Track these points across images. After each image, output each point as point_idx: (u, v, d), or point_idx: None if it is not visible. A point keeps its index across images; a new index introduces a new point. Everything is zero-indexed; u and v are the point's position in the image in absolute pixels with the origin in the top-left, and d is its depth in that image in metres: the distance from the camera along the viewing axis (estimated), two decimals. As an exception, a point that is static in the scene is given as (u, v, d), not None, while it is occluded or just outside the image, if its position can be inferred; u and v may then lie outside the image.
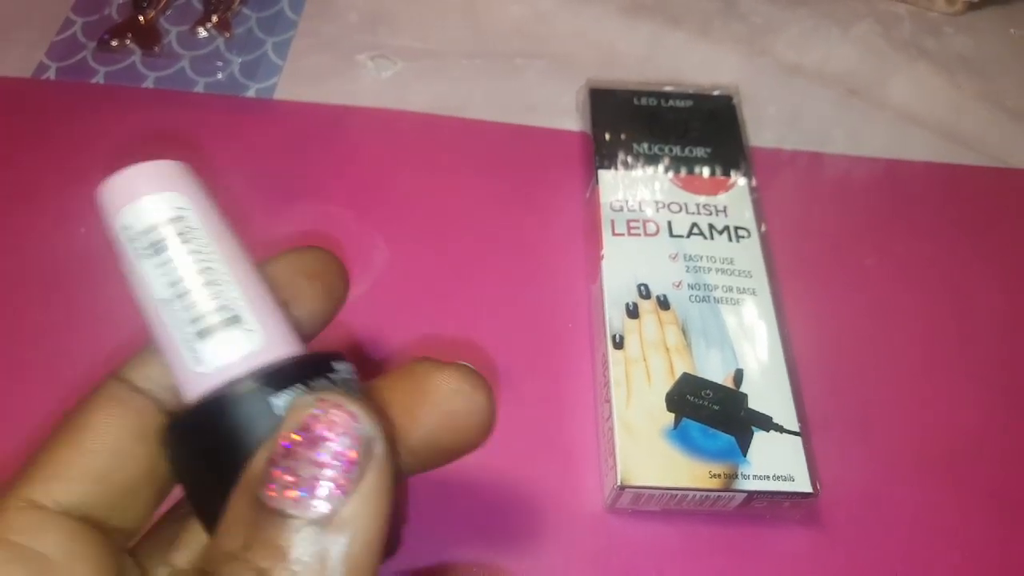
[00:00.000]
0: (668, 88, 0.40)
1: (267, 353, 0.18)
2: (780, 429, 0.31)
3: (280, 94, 0.42)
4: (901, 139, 0.43)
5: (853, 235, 0.39)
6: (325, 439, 0.15)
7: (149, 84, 0.42)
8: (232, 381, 0.17)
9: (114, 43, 0.44)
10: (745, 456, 0.30)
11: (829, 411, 0.33)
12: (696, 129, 0.39)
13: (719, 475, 0.30)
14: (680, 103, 0.40)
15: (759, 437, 0.31)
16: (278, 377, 0.17)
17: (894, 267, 0.38)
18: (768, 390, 0.32)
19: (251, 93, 0.42)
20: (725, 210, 0.36)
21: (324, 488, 0.15)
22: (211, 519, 0.17)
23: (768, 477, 0.30)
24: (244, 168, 0.39)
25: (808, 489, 0.30)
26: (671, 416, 0.31)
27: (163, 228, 0.19)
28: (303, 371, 0.18)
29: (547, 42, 0.45)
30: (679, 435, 0.30)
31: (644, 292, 0.34)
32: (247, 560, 0.14)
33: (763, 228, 0.36)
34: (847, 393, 0.34)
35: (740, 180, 0.37)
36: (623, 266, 0.34)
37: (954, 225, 0.40)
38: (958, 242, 0.39)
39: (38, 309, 0.35)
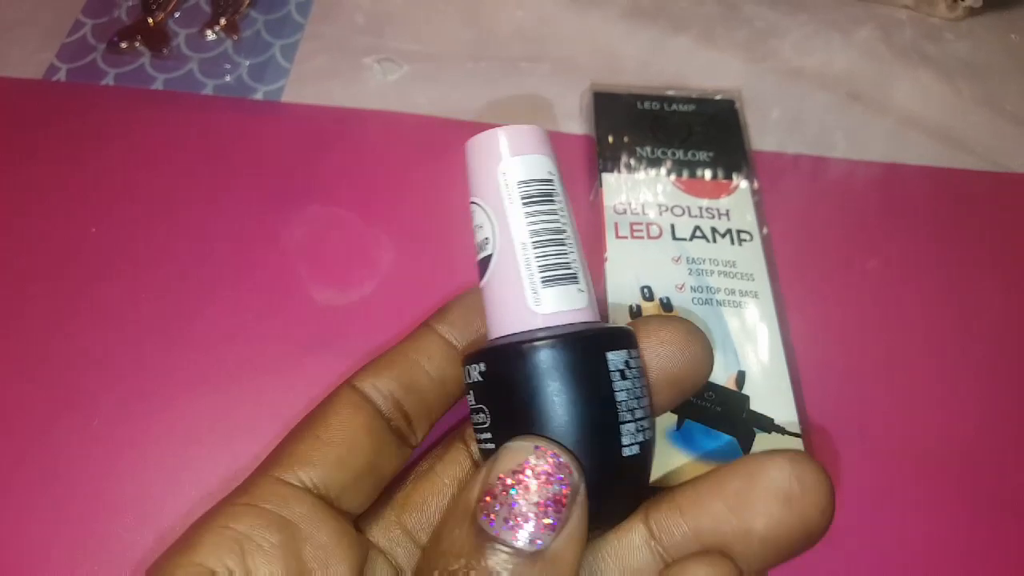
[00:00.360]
0: (671, 92, 0.41)
1: (588, 314, 0.22)
2: (781, 431, 0.31)
3: (288, 96, 0.43)
4: (902, 143, 0.43)
5: (854, 239, 0.39)
6: (542, 482, 0.18)
7: (158, 86, 0.43)
8: (572, 326, 0.21)
9: (123, 45, 0.44)
10: (746, 457, 0.30)
11: (829, 413, 0.33)
12: (699, 133, 0.39)
13: (721, 475, 0.30)
14: (683, 107, 0.40)
15: (761, 439, 0.31)
16: (614, 337, 0.21)
17: (895, 270, 0.38)
18: (770, 392, 0.32)
19: (259, 95, 0.43)
20: (728, 213, 0.37)
21: (540, 524, 0.17)
22: (503, 438, 0.20)
23: (769, 477, 0.30)
24: (252, 170, 0.40)
25: (808, 489, 0.30)
26: (674, 417, 0.31)
27: (544, 184, 0.23)
28: (628, 340, 0.22)
29: (551, 46, 0.45)
30: (682, 436, 0.31)
31: (647, 294, 0.34)
32: None
33: (765, 231, 0.36)
34: (847, 395, 0.34)
35: (742, 183, 0.38)
36: (627, 268, 0.35)
37: (955, 229, 0.40)
38: (959, 246, 0.40)
39: (46, 309, 0.35)
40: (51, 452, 0.31)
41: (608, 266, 0.35)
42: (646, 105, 0.40)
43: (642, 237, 0.36)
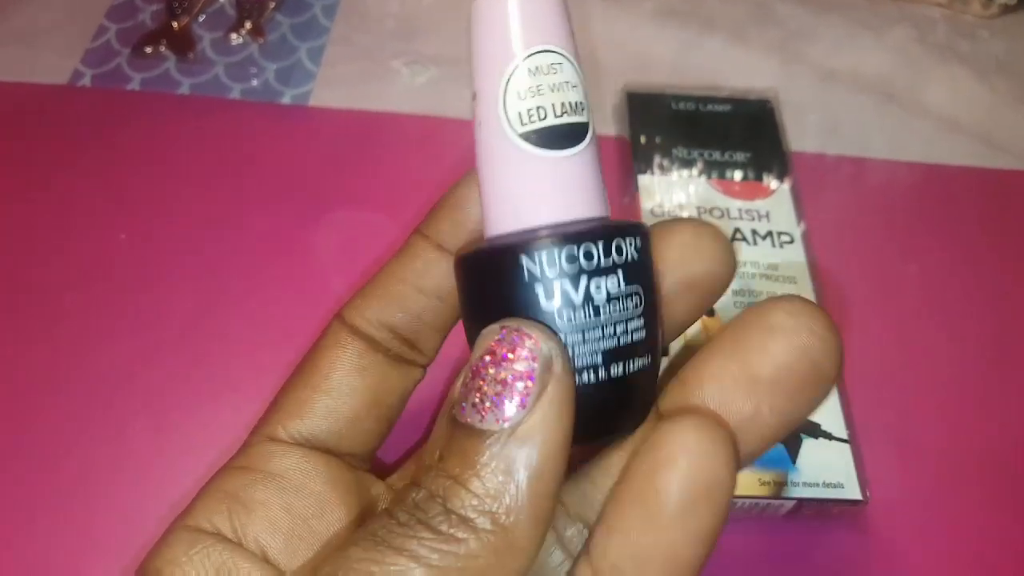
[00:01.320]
0: (706, 93, 0.40)
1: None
2: (829, 436, 0.30)
3: (315, 100, 0.42)
4: (940, 143, 0.42)
5: (895, 240, 0.38)
6: (508, 360, 0.16)
7: (184, 91, 0.43)
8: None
9: (148, 50, 0.44)
10: (794, 463, 0.30)
11: (873, 418, 0.32)
12: (735, 134, 0.39)
13: (768, 482, 0.29)
14: (718, 107, 0.40)
15: (808, 444, 0.30)
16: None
17: (936, 272, 0.38)
18: (816, 397, 0.31)
19: (286, 99, 0.42)
20: (768, 215, 0.36)
21: (509, 404, 0.16)
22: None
23: (818, 484, 0.29)
24: (280, 174, 0.39)
25: (858, 496, 0.29)
26: (719, 423, 0.30)
27: None
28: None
29: (581, 47, 0.44)
30: (727, 442, 0.30)
31: (688, 298, 0.33)
32: (442, 469, 0.16)
33: (805, 233, 0.36)
34: (891, 399, 0.34)
35: (782, 185, 0.37)
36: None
37: (995, 229, 0.39)
38: (1000, 246, 0.39)
39: (75, 315, 0.35)
40: (81, 460, 0.31)
41: (646, 269, 0.34)
42: (681, 106, 0.40)
43: (681, 240, 0.35)
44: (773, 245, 0.35)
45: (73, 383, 0.33)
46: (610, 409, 0.18)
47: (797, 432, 0.30)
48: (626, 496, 0.17)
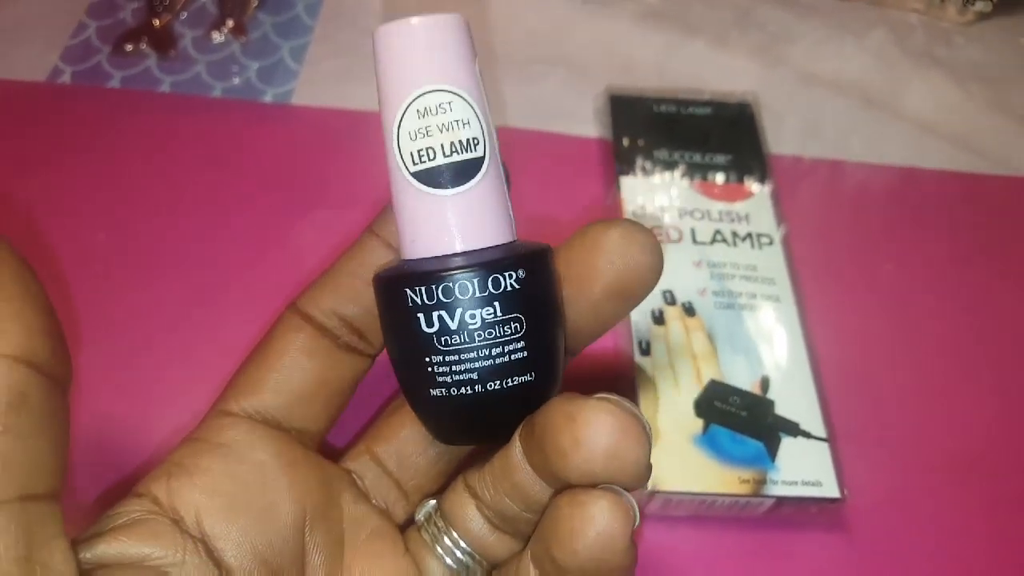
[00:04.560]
0: (687, 95, 0.41)
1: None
2: (807, 435, 0.31)
3: (298, 99, 0.42)
4: (917, 147, 0.43)
5: (872, 242, 0.39)
6: None
7: (165, 88, 0.42)
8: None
9: (129, 47, 0.43)
10: (774, 462, 0.30)
11: (852, 416, 0.33)
12: (716, 136, 0.39)
13: (748, 480, 0.30)
14: (699, 110, 0.40)
15: (787, 443, 0.31)
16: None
17: (912, 273, 0.38)
18: (794, 396, 0.32)
19: (268, 98, 0.42)
20: (747, 217, 0.36)
21: None
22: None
23: (796, 483, 0.30)
24: (262, 173, 0.39)
25: (836, 494, 0.30)
26: (700, 422, 0.31)
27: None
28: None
29: (564, 50, 0.45)
30: (708, 441, 0.30)
31: (670, 299, 0.34)
32: None
33: (784, 235, 0.36)
34: (868, 398, 0.34)
35: (761, 187, 0.37)
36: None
37: (969, 232, 0.40)
38: (973, 248, 0.39)
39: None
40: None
41: (628, 270, 0.34)
42: (662, 108, 0.40)
43: (662, 241, 0.35)
44: (752, 246, 0.35)
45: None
46: (490, 417, 0.20)
47: (776, 431, 0.31)
48: (542, 538, 0.19)
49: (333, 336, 0.23)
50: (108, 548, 0.19)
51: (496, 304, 0.19)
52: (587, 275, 0.21)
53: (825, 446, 0.31)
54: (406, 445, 0.24)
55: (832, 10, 0.48)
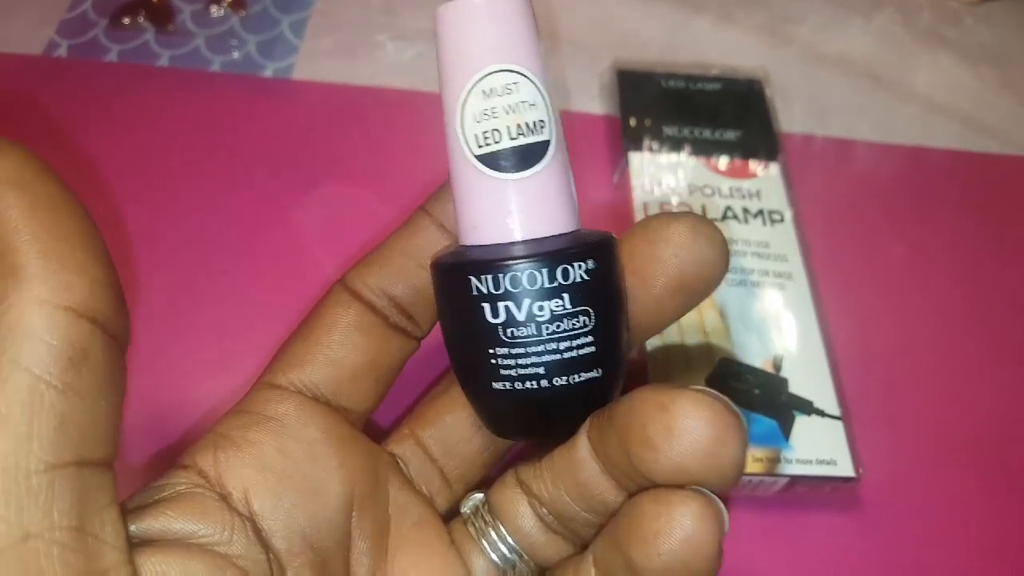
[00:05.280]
0: (696, 71, 0.40)
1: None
2: (821, 413, 0.30)
3: (298, 74, 0.41)
4: (926, 127, 0.42)
5: (881, 221, 0.38)
6: None
7: (163, 63, 0.41)
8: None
9: (126, 21, 0.42)
10: (787, 440, 0.30)
11: (864, 395, 0.33)
12: (726, 112, 0.38)
13: (762, 459, 0.29)
14: (709, 86, 0.39)
15: (801, 421, 0.30)
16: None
17: (921, 252, 0.38)
18: (808, 374, 0.31)
19: (268, 73, 0.41)
20: (758, 194, 0.36)
21: None
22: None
23: (811, 461, 0.29)
24: (262, 149, 0.38)
25: (851, 473, 0.29)
26: (712, 400, 0.30)
27: None
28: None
29: (570, 27, 0.44)
30: (720, 419, 0.30)
31: (680, 275, 0.33)
32: None
33: (795, 212, 0.36)
34: (880, 377, 0.34)
35: (772, 164, 0.37)
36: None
37: (980, 211, 0.40)
38: (982, 228, 0.39)
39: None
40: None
41: (638, 247, 0.34)
42: (671, 84, 0.39)
43: (672, 217, 0.35)
44: (764, 223, 0.35)
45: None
46: (555, 413, 0.20)
47: (790, 409, 0.30)
48: (614, 540, 0.18)
49: (383, 315, 0.22)
50: (154, 522, 0.18)
51: (565, 296, 0.18)
52: (651, 268, 0.20)
53: (839, 424, 0.30)
54: (452, 432, 0.23)
55: (839, -11, 0.48)
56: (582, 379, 0.19)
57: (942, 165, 0.41)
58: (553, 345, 0.18)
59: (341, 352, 0.21)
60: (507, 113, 0.19)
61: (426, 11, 0.44)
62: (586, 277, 0.18)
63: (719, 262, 0.20)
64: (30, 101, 0.39)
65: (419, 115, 0.40)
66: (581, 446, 0.19)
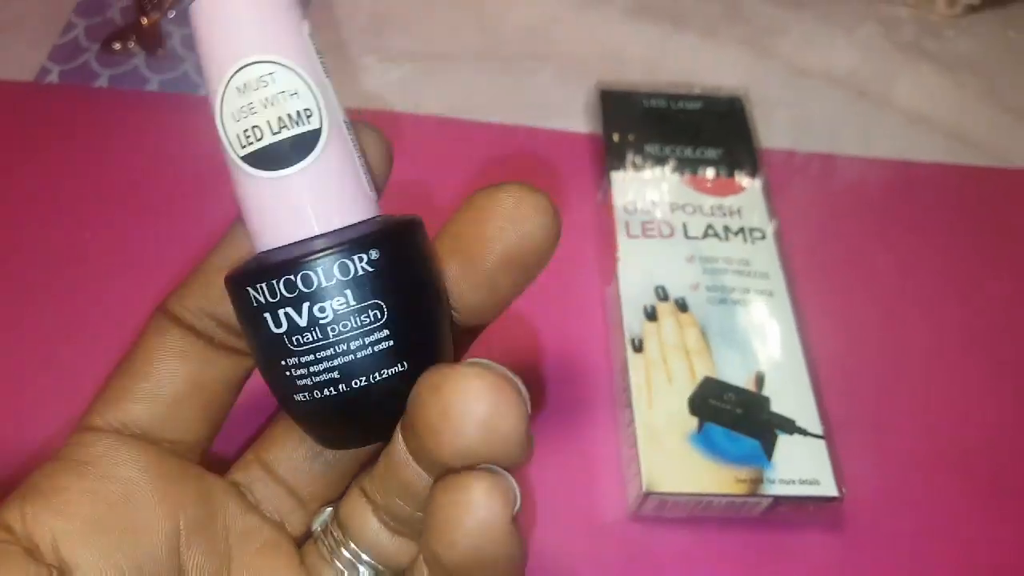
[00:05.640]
0: (678, 90, 0.40)
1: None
2: (804, 432, 0.31)
3: (286, 97, 0.42)
4: (909, 140, 0.43)
5: (865, 236, 0.39)
6: None
7: (153, 87, 0.42)
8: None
9: (117, 46, 0.43)
10: (770, 460, 0.30)
11: (847, 413, 0.33)
12: (707, 131, 0.39)
13: (745, 480, 0.29)
14: (690, 105, 0.40)
15: (783, 440, 0.30)
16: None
17: (906, 267, 0.38)
18: (790, 393, 0.31)
19: (256, 97, 0.42)
20: (739, 211, 0.36)
21: None
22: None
23: (794, 481, 0.30)
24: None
25: (834, 493, 0.29)
26: (694, 421, 0.30)
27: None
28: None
29: (555, 45, 0.45)
30: (703, 439, 0.30)
31: (662, 294, 0.33)
32: None
33: (776, 229, 0.36)
34: (863, 394, 0.34)
35: (753, 181, 0.37)
36: (639, 268, 0.34)
37: (964, 224, 0.40)
38: (967, 241, 0.39)
39: (39, 315, 0.34)
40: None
41: (620, 266, 0.34)
42: (653, 103, 0.40)
43: (654, 236, 0.35)
44: (745, 241, 0.35)
45: (39, 380, 0.32)
46: (361, 418, 0.19)
47: (772, 428, 0.30)
48: (424, 537, 0.17)
49: (206, 336, 0.20)
50: None
51: (347, 292, 0.17)
52: (478, 245, 0.19)
53: (822, 443, 0.30)
54: (297, 450, 0.22)
55: (820, 4, 0.48)
56: (385, 376, 0.18)
57: (927, 178, 0.41)
58: (343, 346, 0.17)
59: (159, 383, 0.20)
60: (265, 107, 0.17)
61: (412, 32, 0.45)
62: (369, 269, 0.17)
63: (549, 230, 0.19)
64: (22, 127, 0.40)
65: (405, 136, 0.40)
66: (397, 444, 0.18)
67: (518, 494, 0.16)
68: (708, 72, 0.44)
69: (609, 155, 0.38)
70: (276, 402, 0.20)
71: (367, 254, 0.17)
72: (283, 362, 0.18)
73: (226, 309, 0.20)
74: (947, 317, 0.37)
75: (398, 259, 0.18)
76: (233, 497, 0.21)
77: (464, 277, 0.19)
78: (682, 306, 0.33)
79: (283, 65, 0.18)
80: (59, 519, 0.18)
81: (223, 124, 0.18)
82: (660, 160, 0.37)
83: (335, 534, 0.20)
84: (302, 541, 0.21)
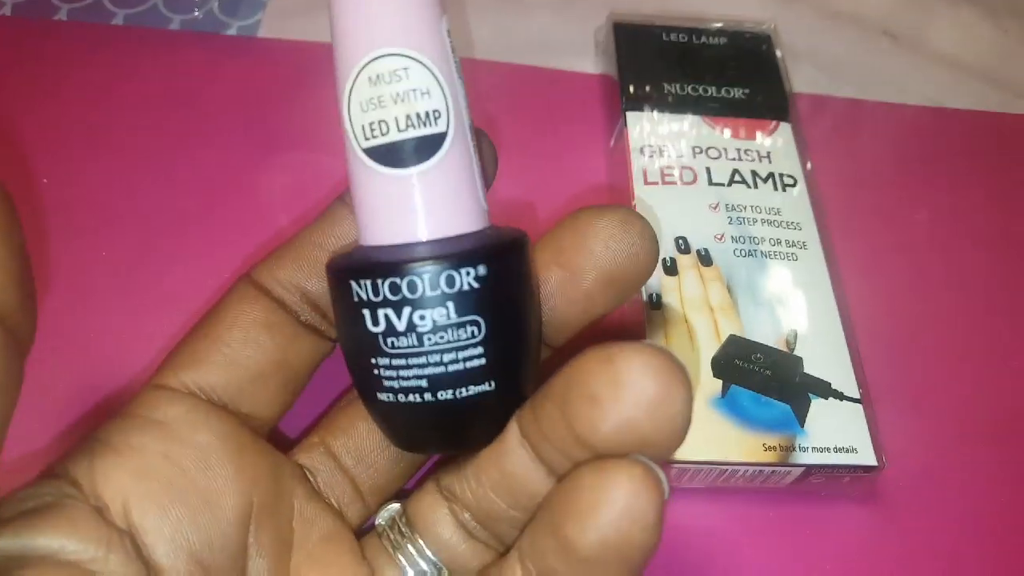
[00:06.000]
0: (699, 24, 0.37)
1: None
2: (840, 396, 0.27)
3: (265, 32, 0.38)
4: (947, 87, 0.39)
5: (902, 188, 0.35)
6: None
7: (118, 21, 0.38)
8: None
9: (78, -25, 0.39)
10: (802, 426, 0.27)
11: (886, 375, 0.30)
12: (733, 68, 0.35)
13: (774, 447, 0.26)
14: (714, 40, 0.36)
15: (817, 405, 0.27)
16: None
17: (945, 219, 0.35)
18: (824, 353, 0.28)
19: (232, 31, 0.38)
20: (768, 156, 0.32)
21: None
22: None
23: (828, 449, 0.26)
24: (226, 113, 0.35)
25: (872, 462, 0.26)
26: (718, 383, 0.27)
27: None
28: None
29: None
30: (728, 404, 0.27)
31: (683, 246, 0.30)
32: None
33: (810, 176, 0.32)
34: (903, 355, 0.31)
35: (783, 124, 0.34)
36: (658, 218, 0.31)
37: (1005, 176, 0.37)
38: (1010, 193, 0.36)
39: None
40: None
41: (636, 215, 0.31)
42: (672, 37, 0.36)
43: (674, 183, 0.31)
44: (775, 188, 0.32)
45: None
46: (445, 427, 0.19)
47: (805, 392, 0.27)
48: (545, 524, 0.17)
49: (293, 312, 0.20)
50: (14, 539, 0.15)
51: (450, 305, 0.17)
52: (580, 261, 0.19)
53: (859, 408, 0.27)
54: (364, 441, 0.21)
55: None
56: (470, 393, 0.18)
57: (965, 126, 0.38)
58: (436, 357, 0.17)
59: (243, 352, 0.19)
60: (395, 102, 0.17)
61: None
62: (475, 285, 0.17)
63: (650, 255, 0.19)
64: (-30, 63, 0.36)
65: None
66: (510, 434, 0.18)
67: (667, 488, 0.16)
68: (731, 10, 0.40)
69: (624, 95, 0.34)
70: (341, 387, 0.21)
71: (475, 269, 0.17)
72: (373, 360, 0.18)
73: (317, 286, 0.20)
74: (990, 272, 0.33)
75: (503, 278, 0.18)
76: (300, 481, 0.20)
77: (562, 291, 0.19)
78: (705, 259, 0.30)
79: (419, 61, 0.17)
80: (133, 480, 0.17)
81: (349, 112, 0.18)
82: (681, 100, 0.34)
83: (403, 529, 0.20)
84: (357, 535, 0.21)
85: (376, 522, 0.21)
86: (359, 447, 0.21)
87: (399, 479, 0.22)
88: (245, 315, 0.20)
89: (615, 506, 0.15)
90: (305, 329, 0.20)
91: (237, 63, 0.37)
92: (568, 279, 0.19)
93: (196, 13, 0.38)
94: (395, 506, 0.21)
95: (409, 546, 0.20)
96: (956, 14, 0.42)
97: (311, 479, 0.21)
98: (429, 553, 0.20)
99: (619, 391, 0.15)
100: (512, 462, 0.18)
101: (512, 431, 0.18)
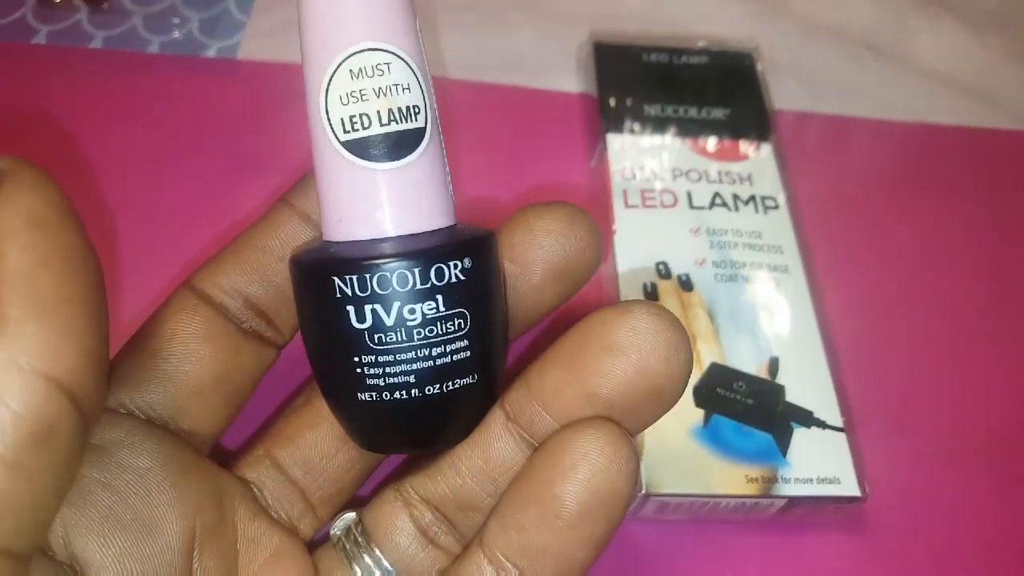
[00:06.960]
0: (680, 44, 0.36)
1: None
2: (822, 425, 0.27)
3: (244, 53, 0.38)
4: (930, 102, 0.39)
5: (885, 206, 0.35)
6: None
7: (97, 44, 0.38)
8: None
9: (56, -1, 0.39)
10: (785, 456, 0.26)
11: (870, 402, 0.29)
12: (713, 89, 0.35)
13: (756, 479, 0.26)
14: (695, 60, 0.36)
15: (799, 434, 0.27)
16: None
17: (929, 238, 0.34)
18: (806, 380, 0.28)
19: (211, 53, 0.38)
20: (750, 178, 0.32)
21: None
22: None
23: (811, 480, 0.26)
24: (205, 136, 0.35)
25: (856, 492, 0.26)
26: (700, 412, 0.27)
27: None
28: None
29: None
30: (710, 434, 0.27)
31: (664, 271, 0.30)
32: None
33: (791, 198, 0.32)
34: (887, 381, 0.31)
35: (764, 145, 0.33)
36: (639, 242, 0.30)
37: (990, 193, 0.36)
38: (995, 211, 0.36)
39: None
40: None
41: (617, 239, 0.30)
42: (653, 58, 0.36)
43: (655, 206, 0.31)
44: (756, 211, 0.31)
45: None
46: (428, 424, 0.18)
47: (787, 421, 0.27)
48: (524, 496, 0.17)
49: (236, 320, 0.19)
50: None
51: (439, 297, 0.17)
52: (530, 256, 0.19)
53: (843, 437, 0.27)
54: (313, 450, 0.20)
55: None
56: (456, 386, 0.18)
57: (949, 142, 0.38)
58: (425, 351, 0.17)
59: (183, 367, 0.19)
60: (378, 96, 0.17)
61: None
62: (462, 277, 0.17)
63: (595, 249, 0.20)
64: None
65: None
66: (493, 421, 0.19)
67: (639, 448, 0.18)
68: (712, 29, 0.40)
69: (604, 116, 0.34)
70: (284, 395, 0.21)
71: (461, 262, 0.17)
72: (356, 358, 0.17)
73: (261, 291, 0.19)
74: (976, 292, 0.33)
75: (484, 270, 0.18)
76: (244, 499, 0.20)
77: (513, 285, 0.20)
78: (686, 284, 0.29)
79: (400, 57, 0.17)
80: (73, 511, 0.16)
81: (327, 105, 0.17)
82: (661, 122, 0.34)
83: (359, 539, 0.20)
84: (311, 547, 0.21)
85: (331, 532, 0.21)
86: (307, 457, 0.21)
87: (350, 487, 0.21)
88: (184, 327, 0.19)
89: (601, 456, 0.16)
90: (248, 338, 0.20)
91: (215, 85, 0.36)
92: (519, 273, 0.20)
93: (175, 35, 0.38)
94: (351, 515, 0.20)
95: (365, 556, 0.20)
96: (939, 28, 0.42)
97: (258, 494, 0.20)
98: (386, 563, 0.19)
99: (638, 338, 0.16)
100: (497, 447, 0.18)
101: (495, 418, 0.19)
